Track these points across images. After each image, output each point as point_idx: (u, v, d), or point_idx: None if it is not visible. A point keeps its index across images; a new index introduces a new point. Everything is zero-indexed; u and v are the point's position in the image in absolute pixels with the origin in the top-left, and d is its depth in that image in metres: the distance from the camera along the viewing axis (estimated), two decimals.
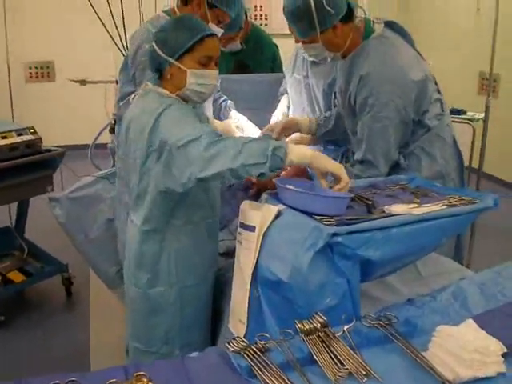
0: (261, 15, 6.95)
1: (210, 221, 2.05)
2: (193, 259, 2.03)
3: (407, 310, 1.60)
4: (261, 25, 6.33)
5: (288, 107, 3.12)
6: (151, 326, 2.06)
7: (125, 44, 3.66)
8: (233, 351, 1.37)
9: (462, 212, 1.78)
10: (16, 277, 3.62)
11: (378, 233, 1.60)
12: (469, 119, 4.64)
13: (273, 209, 1.71)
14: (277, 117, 3.06)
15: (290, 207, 1.72)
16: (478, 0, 5.88)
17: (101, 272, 2.74)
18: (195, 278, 2.05)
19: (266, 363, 1.31)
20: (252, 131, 2.88)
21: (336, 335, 1.41)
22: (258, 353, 1.35)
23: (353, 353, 1.34)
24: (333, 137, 2.84)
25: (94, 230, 2.68)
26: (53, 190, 3.50)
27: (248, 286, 1.72)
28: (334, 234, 1.54)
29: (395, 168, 2.40)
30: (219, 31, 2.50)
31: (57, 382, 1.22)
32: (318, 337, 1.40)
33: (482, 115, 4.25)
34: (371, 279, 1.78)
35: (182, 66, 1.92)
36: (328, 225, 1.58)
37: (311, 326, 1.42)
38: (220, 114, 3.01)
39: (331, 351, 1.35)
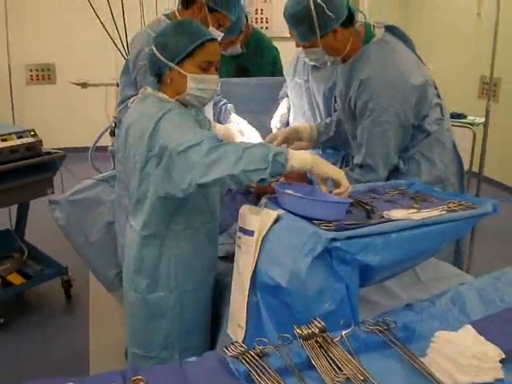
0: (261, 18, 6.97)
1: (210, 226, 2.05)
2: (192, 264, 2.02)
3: (406, 315, 1.60)
4: (261, 28, 6.36)
5: (288, 110, 3.13)
6: (150, 330, 2.05)
7: (126, 46, 3.67)
8: (231, 356, 1.37)
9: (462, 217, 1.78)
10: (16, 279, 3.62)
11: (377, 238, 1.59)
12: (469, 123, 4.64)
13: (272, 213, 1.71)
14: (276, 119, 3.06)
15: (290, 212, 1.72)
16: (478, 5, 5.89)
17: (100, 275, 2.74)
18: (195, 282, 2.04)
19: (264, 368, 1.31)
20: (252, 135, 2.88)
21: (334, 340, 1.40)
22: (256, 358, 1.34)
23: (351, 358, 1.34)
24: (334, 143, 2.84)
25: (93, 232, 2.67)
26: (53, 192, 3.49)
27: (247, 291, 1.72)
28: (333, 239, 1.54)
29: (395, 173, 2.40)
30: (219, 35, 2.51)
31: None
32: (316, 342, 1.39)
33: (483, 119, 4.25)
34: (370, 284, 1.79)
35: (182, 71, 1.91)
36: (327, 230, 1.58)
37: (309, 331, 1.41)
38: (220, 118, 3.01)
39: (329, 356, 1.35)
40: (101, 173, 3.05)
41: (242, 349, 1.39)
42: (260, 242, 1.69)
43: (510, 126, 5.59)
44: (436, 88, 2.48)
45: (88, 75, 5.05)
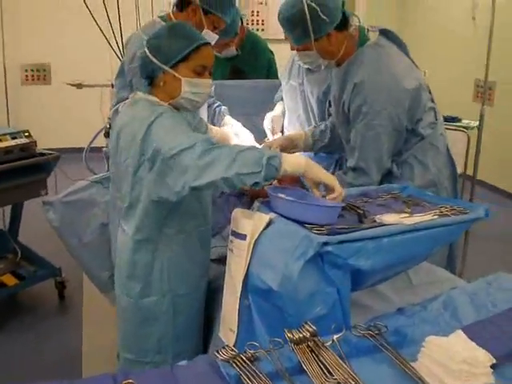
0: (257, 20, 6.98)
1: (203, 229, 2.05)
2: (185, 268, 2.01)
3: (397, 320, 1.59)
4: (257, 30, 6.39)
5: (283, 113, 3.13)
6: (143, 335, 2.04)
7: (121, 47, 3.66)
8: (222, 360, 1.37)
9: (453, 222, 1.78)
10: (9, 280, 3.60)
11: (369, 242, 1.60)
12: (464, 127, 4.65)
13: (264, 217, 1.71)
14: (268, 120, 3.06)
15: (282, 216, 1.72)
16: (473, 8, 5.91)
17: (94, 276, 2.73)
18: (187, 286, 2.03)
19: (255, 372, 1.30)
20: (246, 137, 2.87)
21: (325, 345, 1.40)
22: (247, 362, 1.34)
23: (342, 362, 1.34)
24: (329, 149, 2.83)
25: (87, 234, 2.66)
26: (47, 193, 3.49)
27: (238, 294, 1.72)
28: (325, 244, 1.54)
29: (388, 176, 2.40)
30: (214, 37, 2.51)
31: None
32: (308, 346, 1.39)
33: (477, 123, 4.26)
34: (362, 288, 1.79)
35: (176, 74, 1.90)
36: (319, 234, 1.58)
37: (300, 335, 1.41)
38: (214, 120, 3.01)
39: (320, 361, 1.34)
40: (95, 174, 3.04)
41: (233, 353, 1.38)
42: (252, 245, 1.69)
43: (504, 129, 5.61)
44: (430, 92, 2.48)
45: (83, 76, 5.05)
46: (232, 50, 3.44)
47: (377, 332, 1.48)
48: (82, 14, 3.86)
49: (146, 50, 1.93)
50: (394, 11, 7.20)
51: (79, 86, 4.83)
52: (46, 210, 2.69)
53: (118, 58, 3.62)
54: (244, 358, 1.35)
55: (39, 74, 7.09)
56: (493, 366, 1.30)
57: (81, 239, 2.66)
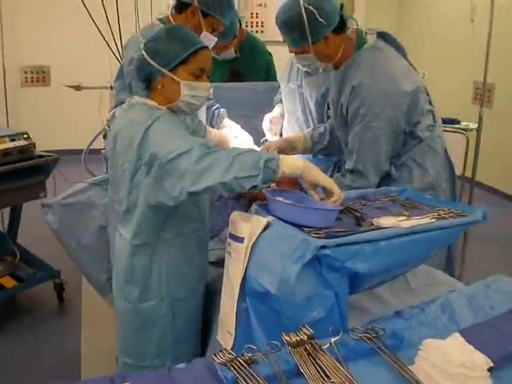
0: (257, 22, 6.97)
1: (200, 233, 2.04)
2: (183, 272, 2.01)
3: (395, 323, 1.59)
4: (257, 32, 6.39)
5: (282, 116, 3.13)
6: (142, 339, 2.04)
7: (120, 49, 3.66)
8: (219, 363, 1.36)
9: (451, 225, 1.78)
10: (8, 282, 3.60)
11: (367, 245, 1.59)
12: (463, 129, 4.65)
13: (262, 220, 1.71)
14: (266, 122, 3.06)
15: (280, 219, 1.72)
16: (471, 11, 5.90)
17: (92, 279, 2.73)
18: (186, 290, 2.03)
19: (252, 375, 1.30)
20: (245, 139, 2.88)
21: (323, 348, 1.40)
22: (245, 365, 1.34)
23: (339, 366, 1.33)
24: (328, 151, 2.83)
25: (86, 236, 2.66)
26: (46, 195, 3.48)
27: (236, 297, 1.72)
28: (322, 247, 1.54)
29: (386, 179, 2.40)
30: (213, 39, 2.51)
31: None
32: (305, 349, 1.39)
33: (476, 125, 4.26)
34: (359, 291, 1.78)
35: (175, 77, 1.90)
36: (316, 237, 1.58)
37: (298, 338, 1.41)
38: (213, 122, 3.01)
39: (317, 364, 1.34)
40: (94, 176, 3.04)
41: (231, 356, 1.38)
42: (250, 248, 1.69)
43: (503, 131, 5.61)
44: (428, 94, 2.49)
45: (82, 78, 5.04)
46: (231, 53, 3.45)
47: (374, 335, 1.48)
48: (81, 17, 3.87)
49: (144, 52, 1.92)
50: (393, 14, 7.21)
51: (78, 88, 4.81)
52: (44, 212, 2.70)
53: (117, 60, 3.62)
54: (241, 361, 1.35)
55: (38, 76, 7.09)
56: (490, 370, 1.30)
57: (79, 241, 2.66)
